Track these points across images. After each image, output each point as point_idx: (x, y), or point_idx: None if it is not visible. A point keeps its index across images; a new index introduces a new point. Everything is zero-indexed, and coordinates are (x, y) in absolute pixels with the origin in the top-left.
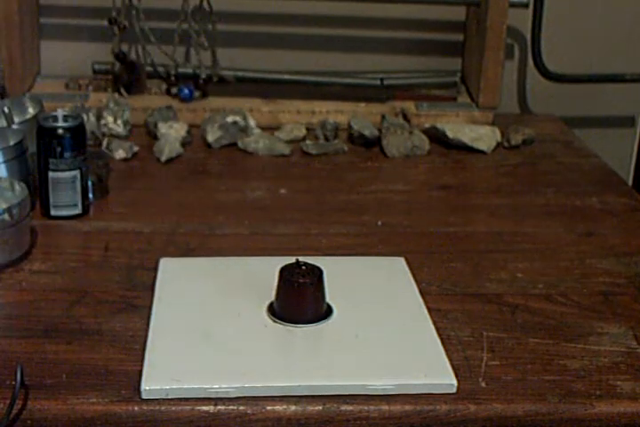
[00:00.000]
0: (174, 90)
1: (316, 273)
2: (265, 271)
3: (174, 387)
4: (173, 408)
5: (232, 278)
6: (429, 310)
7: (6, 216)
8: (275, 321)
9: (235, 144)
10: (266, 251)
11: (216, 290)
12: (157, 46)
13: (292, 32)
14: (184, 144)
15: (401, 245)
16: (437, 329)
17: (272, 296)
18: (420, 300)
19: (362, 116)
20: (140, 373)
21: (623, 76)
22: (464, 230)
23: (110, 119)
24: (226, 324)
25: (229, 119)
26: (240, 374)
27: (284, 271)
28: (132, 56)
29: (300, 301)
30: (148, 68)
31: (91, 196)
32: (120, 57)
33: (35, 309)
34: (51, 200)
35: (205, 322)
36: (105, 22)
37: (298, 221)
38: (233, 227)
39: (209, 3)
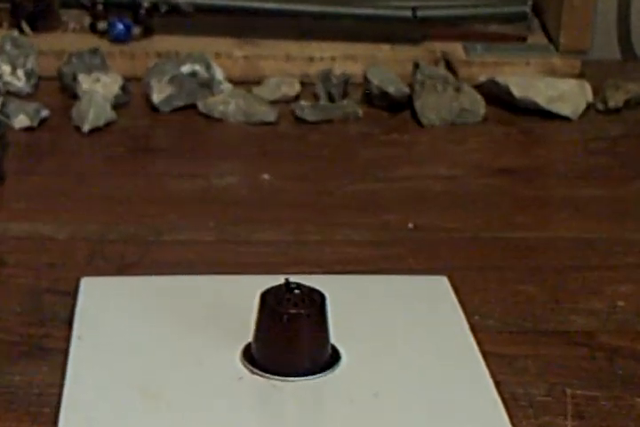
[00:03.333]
0: (102, 25)
1: (315, 300)
2: (238, 297)
3: None
4: None
5: (189, 308)
6: (485, 354)
7: None
8: (253, 372)
9: (193, 106)
10: (240, 266)
11: (165, 325)
12: None
13: None
14: (117, 106)
15: (442, 259)
16: (497, 384)
17: (249, 335)
18: (472, 340)
19: (384, 66)
20: None
21: None
22: (537, 237)
23: (7, 69)
24: (179, 376)
25: (185, 69)
26: None
27: (268, 298)
28: None
29: (290, 342)
30: None
31: None
32: None
33: None
34: None
35: (148, 374)
36: None
37: (288, 223)
38: (191, 230)
39: None
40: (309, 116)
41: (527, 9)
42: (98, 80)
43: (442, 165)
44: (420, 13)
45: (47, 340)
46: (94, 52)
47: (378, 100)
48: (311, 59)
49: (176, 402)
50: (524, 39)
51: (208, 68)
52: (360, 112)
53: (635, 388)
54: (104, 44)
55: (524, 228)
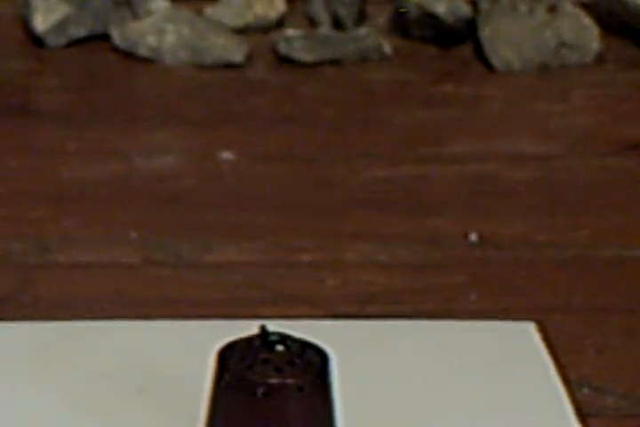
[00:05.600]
0: None
1: (312, 363)
2: (180, 357)
3: None
4: None
5: (97, 374)
6: None
7: None
8: None
9: (104, 37)
10: (183, 306)
11: (56, 402)
12: None
13: None
14: None
15: (526, 293)
16: None
17: (199, 419)
18: None
19: None
20: None
21: None
22: None
23: None
24: None
25: None
26: None
27: (231, 358)
28: None
29: None
30: None
31: None
32: None
33: None
34: None
35: None
36: None
37: (265, 233)
38: (99, 246)
39: None
40: (302, 53)
41: None
42: None
43: (526, 136)
44: None
45: None
46: None
47: (419, 28)
48: None
49: None
50: None
51: None
52: (388, 48)
53: None
54: None
55: None
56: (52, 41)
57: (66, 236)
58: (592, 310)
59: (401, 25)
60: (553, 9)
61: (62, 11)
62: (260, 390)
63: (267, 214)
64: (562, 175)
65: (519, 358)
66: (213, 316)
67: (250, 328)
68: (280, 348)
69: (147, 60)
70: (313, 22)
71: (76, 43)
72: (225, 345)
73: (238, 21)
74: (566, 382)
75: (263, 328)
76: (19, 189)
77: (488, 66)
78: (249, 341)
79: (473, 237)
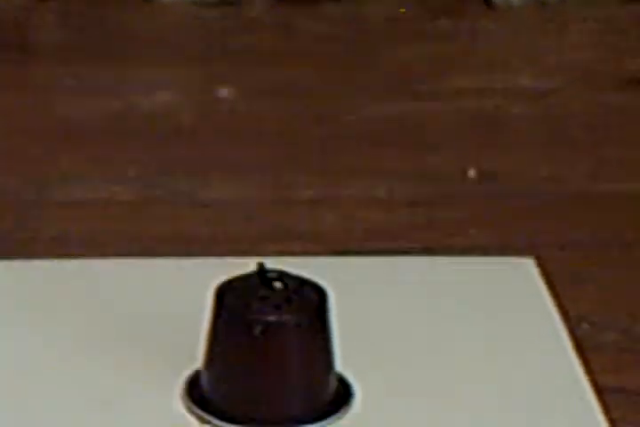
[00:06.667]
0: None
1: (310, 300)
2: (176, 294)
3: None
4: None
5: (92, 312)
6: (601, 391)
7: None
8: (204, 420)
9: None
10: (180, 242)
11: (52, 339)
12: None
13: None
14: None
15: (526, 229)
16: None
17: (196, 358)
18: (577, 366)
19: None
20: None
21: None
22: None
23: None
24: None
25: None
26: None
27: (229, 296)
28: None
29: (268, 370)
30: None
31: None
32: None
33: None
34: None
35: (35, 422)
36: None
37: (262, 169)
38: (97, 183)
39: None
40: None
41: None
42: None
43: (525, 71)
44: None
45: None
46: None
47: None
48: None
49: None
50: None
51: None
52: None
53: None
54: None
55: None
56: None
57: (63, 173)
58: (592, 245)
59: None
60: None
61: None
62: (258, 328)
63: (264, 151)
64: (561, 110)
65: (518, 294)
66: (211, 253)
67: (248, 266)
68: (278, 285)
69: None
70: None
71: None
72: (222, 283)
73: None
74: (565, 317)
75: (261, 266)
76: (14, 126)
77: (486, 0)
78: (247, 278)
79: (472, 172)
